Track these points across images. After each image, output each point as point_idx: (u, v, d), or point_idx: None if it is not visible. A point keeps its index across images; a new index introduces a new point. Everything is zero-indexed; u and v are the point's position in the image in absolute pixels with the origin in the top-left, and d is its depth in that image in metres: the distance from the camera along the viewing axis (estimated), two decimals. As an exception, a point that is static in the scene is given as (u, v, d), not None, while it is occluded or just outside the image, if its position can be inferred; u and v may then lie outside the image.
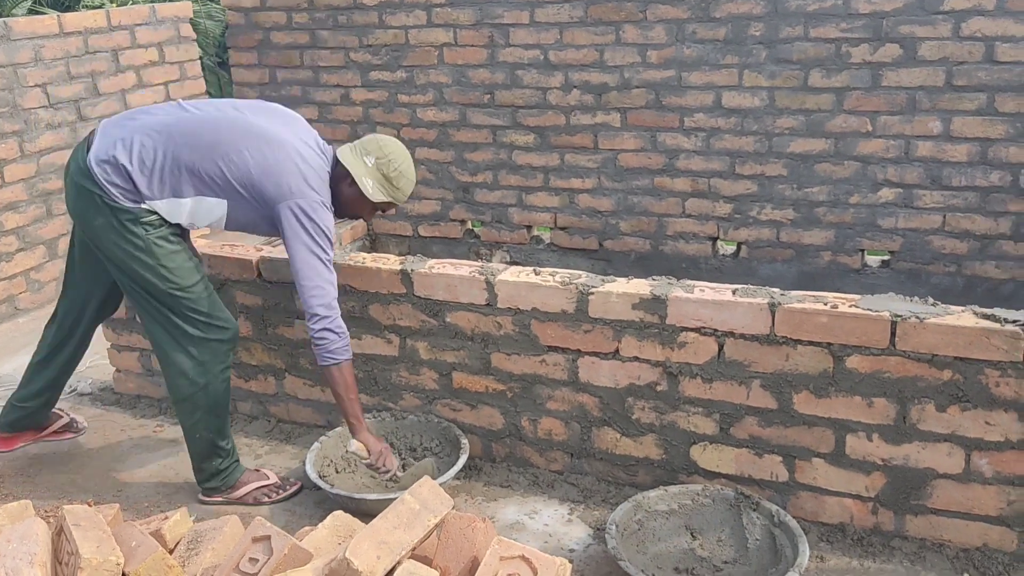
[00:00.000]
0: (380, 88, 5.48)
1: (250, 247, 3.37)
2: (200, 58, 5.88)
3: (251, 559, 2.09)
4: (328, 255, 2.72)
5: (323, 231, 2.70)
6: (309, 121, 5.61)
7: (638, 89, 4.88)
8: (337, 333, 2.72)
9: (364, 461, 2.87)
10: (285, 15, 5.57)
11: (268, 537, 2.10)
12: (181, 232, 2.83)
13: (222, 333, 2.83)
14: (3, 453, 3.27)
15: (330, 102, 5.64)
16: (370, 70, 5.47)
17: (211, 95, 6.03)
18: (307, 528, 2.42)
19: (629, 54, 4.84)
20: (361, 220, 3.57)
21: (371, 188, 2.81)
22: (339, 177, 2.82)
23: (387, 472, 2.88)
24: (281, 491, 3.02)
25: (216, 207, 2.73)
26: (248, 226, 2.82)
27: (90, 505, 2.47)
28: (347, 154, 2.82)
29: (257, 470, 3.08)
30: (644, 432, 2.85)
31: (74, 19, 4.85)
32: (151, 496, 3.04)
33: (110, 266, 2.79)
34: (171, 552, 2.34)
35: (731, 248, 5.04)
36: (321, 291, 2.69)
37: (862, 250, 4.73)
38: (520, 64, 5.10)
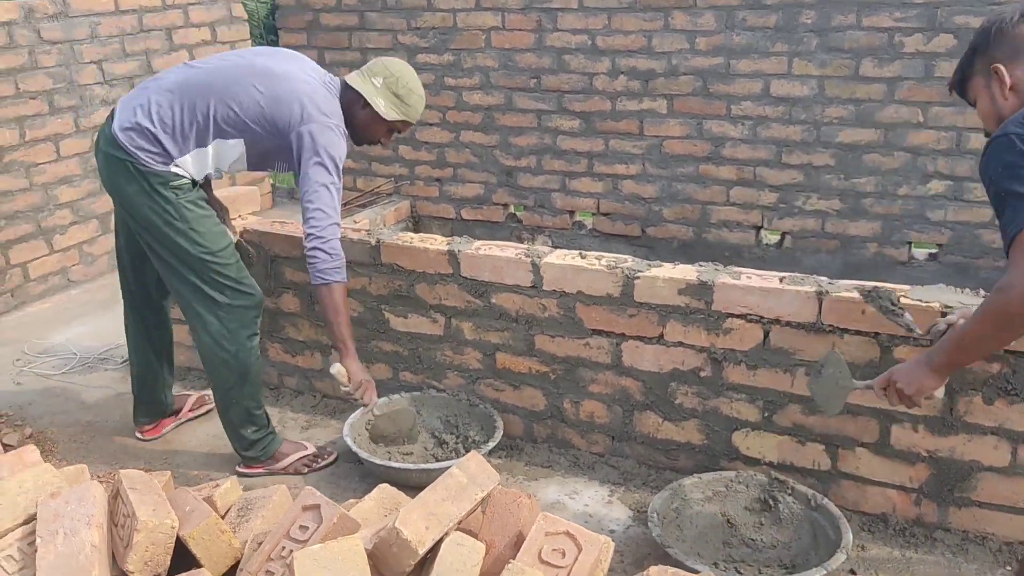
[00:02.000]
0: (427, 71, 5.51)
1: (299, 224, 3.42)
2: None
3: (301, 527, 2.14)
4: (336, 181, 2.76)
5: (332, 157, 2.74)
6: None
7: (685, 76, 4.86)
8: (329, 254, 2.75)
9: (344, 388, 2.92)
10: (335, -3, 5.62)
11: (318, 506, 2.15)
12: (208, 199, 2.93)
13: (248, 299, 2.90)
14: (147, 440, 3.32)
15: (377, 84, 5.68)
16: (417, 52, 5.50)
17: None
18: (353, 500, 2.48)
19: (677, 40, 4.82)
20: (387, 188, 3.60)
21: (384, 107, 2.87)
22: (351, 103, 2.88)
23: (365, 404, 2.95)
24: (320, 460, 3.10)
25: (235, 147, 2.81)
26: (267, 161, 2.91)
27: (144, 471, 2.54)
28: (356, 79, 2.89)
29: (296, 441, 3.15)
30: (686, 417, 2.86)
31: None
32: (200, 465, 3.12)
33: (143, 235, 2.85)
34: (222, 518, 2.40)
35: (775, 238, 5.01)
36: (321, 214, 2.74)
37: (909, 242, 4.69)
38: (567, 49, 5.10)
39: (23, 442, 3.24)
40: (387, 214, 5.61)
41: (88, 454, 3.19)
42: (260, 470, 3.06)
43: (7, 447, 3.07)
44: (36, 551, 2.16)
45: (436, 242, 3.13)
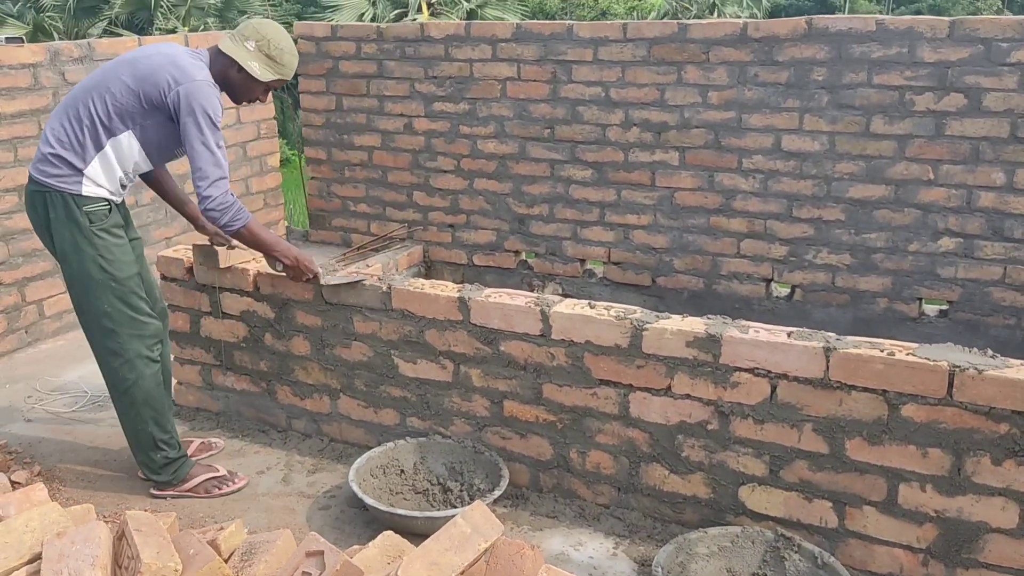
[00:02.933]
0: (443, 119, 5.60)
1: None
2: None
3: (304, 572, 2.14)
4: (211, 136, 2.84)
5: (206, 112, 2.83)
6: (372, 149, 5.76)
7: (698, 129, 4.92)
8: (221, 210, 2.87)
9: (282, 271, 3.19)
10: (355, 45, 5.73)
11: (321, 552, 2.15)
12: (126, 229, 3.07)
13: (144, 328, 3.03)
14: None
15: (393, 131, 5.77)
16: (434, 101, 5.59)
17: (276, 120, 6.20)
18: (356, 547, 2.47)
19: (690, 94, 4.89)
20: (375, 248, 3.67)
21: (259, 70, 2.98)
22: (226, 67, 2.99)
23: (311, 277, 3.19)
24: (230, 483, 3.19)
25: (129, 143, 2.91)
26: (167, 150, 3.01)
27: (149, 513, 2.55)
28: (228, 44, 2.99)
29: (208, 465, 3.25)
30: (693, 470, 2.85)
31: (153, 42, 5.04)
32: (206, 507, 3.12)
33: (61, 264, 2.99)
34: (226, 562, 2.40)
35: (785, 291, 5.02)
36: (202, 174, 2.83)
37: (919, 299, 4.69)
38: (581, 100, 5.17)
39: (31, 480, 3.26)
40: (400, 259, 5.66)
41: (95, 494, 3.20)
42: (171, 492, 3.16)
43: (15, 484, 3.08)
44: (40, 591, 2.16)
45: (447, 289, 3.16)
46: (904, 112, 4.46)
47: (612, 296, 5.34)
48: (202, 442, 3.50)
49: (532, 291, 5.26)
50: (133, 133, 2.91)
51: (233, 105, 5.33)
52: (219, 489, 3.18)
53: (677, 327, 2.77)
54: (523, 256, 5.69)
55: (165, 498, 3.14)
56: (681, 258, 5.14)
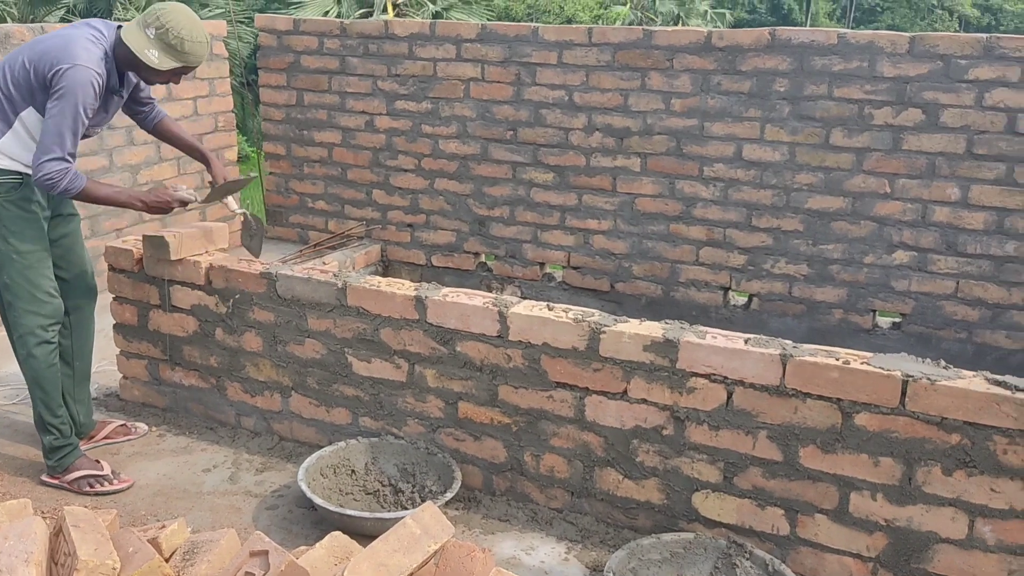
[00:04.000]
0: (404, 117, 5.54)
1: (268, 263, 3.39)
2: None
3: (247, 573, 2.08)
4: (71, 121, 2.78)
5: (73, 93, 2.77)
6: (332, 145, 5.69)
7: (660, 136, 4.93)
8: (53, 181, 2.80)
9: (150, 214, 3.18)
10: (317, 40, 5.65)
11: (266, 552, 2.10)
12: (48, 209, 3.05)
13: (41, 307, 2.98)
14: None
15: (354, 127, 5.71)
16: (396, 99, 5.54)
17: (234, 114, 6.10)
18: (304, 547, 2.41)
19: (653, 101, 4.90)
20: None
21: (157, 59, 2.89)
22: (126, 53, 2.91)
23: (178, 204, 3.12)
24: (108, 483, 3.12)
25: (33, 118, 2.87)
26: None
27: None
28: (130, 31, 2.91)
29: (96, 460, 3.19)
30: (647, 476, 2.83)
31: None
32: (148, 505, 3.03)
33: None
34: (167, 561, 2.33)
35: (742, 299, 5.05)
36: (45, 148, 2.78)
37: (874, 311, 4.73)
38: (544, 103, 5.16)
39: (-34, 473, 3.14)
40: (357, 257, 5.59)
41: (34, 488, 3.10)
42: (54, 482, 3.12)
43: (-51, 478, 2.98)
44: (-31, 588, 2.08)
45: (403, 287, 3.11)
46: (863, 125, 4.51)
47: (571, 300, 5.31)
48: (122, 424, 3.46)
49: (491, 293, 5.24)
50: (34, 109, 2.87)
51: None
52: (92, 487, 3.09)
53: (635, 331, 2.75)
54: (482, 258, 5.65)
55: (51, 488, 3.11)
56: (640, 264, 5.14)
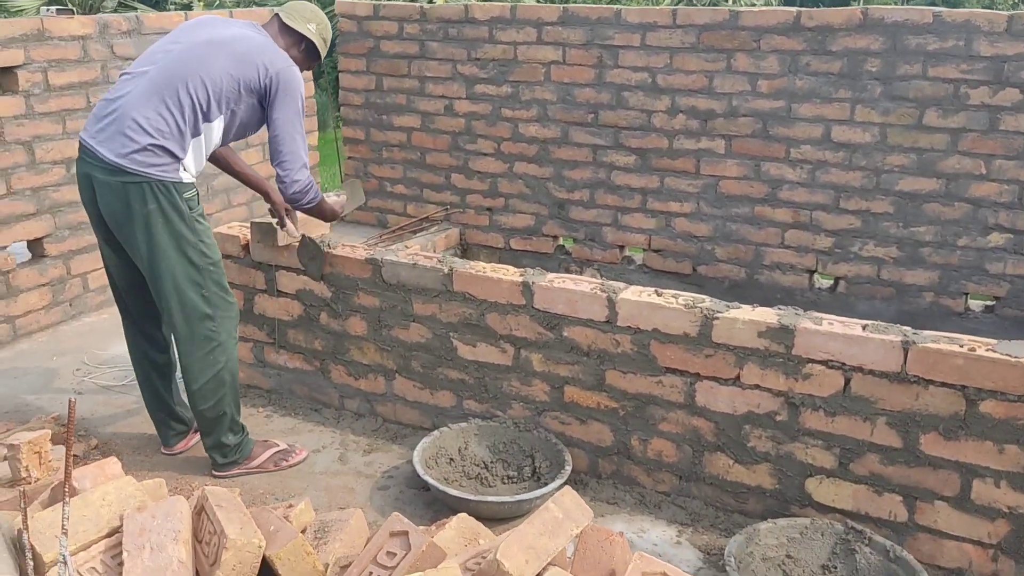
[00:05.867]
0: (484, 101, 5.56)
1: (372, 248, 3.45)
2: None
3: (389, 552, 2.15)
4: (301, 122, 2.96)
5: (301, 102, 2.96)
6: (411, 130, 5.73)
7: (745, 117, 4.88)
8: (304, 191, 3.00)
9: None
10: (397, 25, 5.69)
11: (406, 533, 2.16)
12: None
13: (233, 309, 3.08)
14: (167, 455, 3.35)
15: (433, 112, 5.74)
16: (476, 83, 5.56)
17: (315, 99, 6.17)
18: (431, 527, 2.48)
19: (739, 82, 4.85)
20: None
21: (322, 50, 3.15)
22: (288, 45, 3.06)
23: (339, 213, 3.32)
24: (292, 456, 3.23)
25: (216, 128, 2.93)
26: (246, 128, 3.03)
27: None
28: (295, 23, 3.07)
29: (264, 440, 3.28)
30: (759, 461, 2.84)
31: (197, 15, 5.01)
32: (266, 484, 3.12)
33: (146, 254, 2.86)
34: (302, 539, 2.40)
35: (828, 282, 5.00)
36: (292, 157, 2.94)
37: (966, 293, 4.66)
38: (627, 86, 5.14)
39: (89, 452, 3.27)
40: (437, 240, 5.64)
41: (154, 467, 3.21)
42: (236, 472, 3.16)
43: (75, 458, 3.09)
44: (121, 564, 2.17)
45: (509, 273, 3.15)
46: (958, 105, 4.42)
47: (651, 283, 5.31)
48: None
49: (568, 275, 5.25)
50: (224, 117, 2.91)
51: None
52: (286, 462, 3.21)
53: (749, 317, 2.75)
54: (561, 241, 5.67)
55: (228, 477, 3.13)
56: (723, 247, 5.12)
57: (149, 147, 2.77)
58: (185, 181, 2.86)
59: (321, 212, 3.21)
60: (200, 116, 2.84)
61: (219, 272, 3.00)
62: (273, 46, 2.95)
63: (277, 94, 2.88)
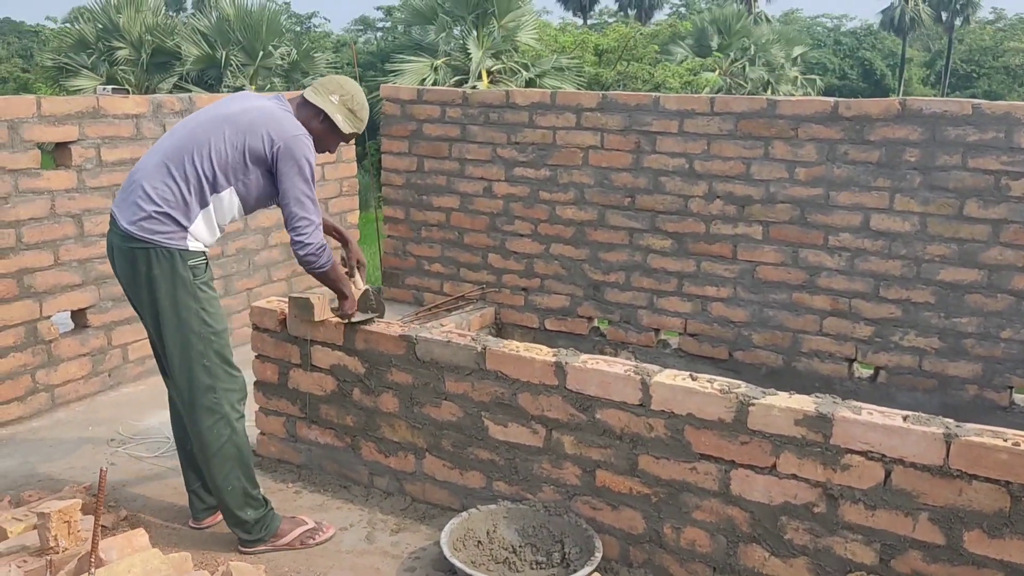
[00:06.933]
0: (523, 184, 5.64)
1: (407, 325, 3.47)
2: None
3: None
4: (311, 187, 3.00)
5: (309, 163, 2.99)
6: (450, 210, 5.81)
7: (783, 204, 4.89)
8: (318, 254, 3.01)
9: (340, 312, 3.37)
10: (439, 109, 5.83)
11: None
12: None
13: (236, 382, 3.08)
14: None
15: (472, 193, 5.83)
16: (515, 166, 5.65)
17: (357, 180, 6.31)
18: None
19: (776, 169, 4.88)
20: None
21: (343, 122, 3.13)
22: (309, 118, 3.10)
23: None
24: (319, 534, 3.20)
25: (229, 199, 2.99)
26: (262, 198, 3.06)
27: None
28: (315, 97, 3.11)
29: (292, 517, 3.24)
30: (796, 554, 2.76)
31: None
32: (291, 561, 3.08)
33: (155, 319, 2.95)
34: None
35: (868, 372, 4.92)
36: (306, 223, 2.97)
37: (1011, 387, 4.55)
38: (664, 171, 5.19)
39: (118, 523, 3.26)
40: (472, 319, 5.66)
41: (181, 540, 3.19)
42: (264, 548, 3.13)
43: (104, 528, 3.08)
44: (142, 638, 2.14)
45: (542, 352, 3.14)
46: (999, 197, 4.39)
47: (687, 368, 5.20)
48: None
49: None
50: (235, 189, 2.99)
51: (319, 161, 5.43)
52: (313, 539, 3.18)
53: (785, 404, 2.71)
54: (596, 323, 5.66)
55: (255, 553, 3.10)
56: (760, 333, 5.07)
57: (155, 215, 2.88)
58: (191, 249, 2.93)
59: (334, 280, 3.18)
60: (207, 187, 2.93)
61: (221, 343, 3.01)
62: (286, 117, 3.01)
63: (280, 161, 2.93)
